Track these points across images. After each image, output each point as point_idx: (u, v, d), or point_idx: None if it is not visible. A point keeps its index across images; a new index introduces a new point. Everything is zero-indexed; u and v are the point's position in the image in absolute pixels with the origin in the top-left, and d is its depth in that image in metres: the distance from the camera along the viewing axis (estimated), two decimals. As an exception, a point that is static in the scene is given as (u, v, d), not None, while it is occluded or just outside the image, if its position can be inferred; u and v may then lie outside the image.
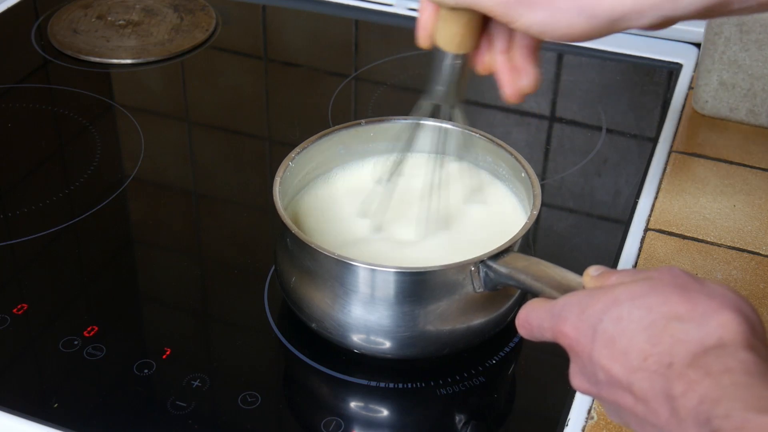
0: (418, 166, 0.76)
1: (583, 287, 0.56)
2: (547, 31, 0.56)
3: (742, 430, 0.41)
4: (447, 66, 0.64)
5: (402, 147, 0.73)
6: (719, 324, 0.46)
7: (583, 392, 0.53)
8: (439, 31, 0.63)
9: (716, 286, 0.49)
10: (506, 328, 0.69)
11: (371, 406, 0.67)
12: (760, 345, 0.47)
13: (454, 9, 0.60)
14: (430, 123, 0.76)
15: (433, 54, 0.64)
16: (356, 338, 0.66)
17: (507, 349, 0.71)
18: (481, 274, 0.63)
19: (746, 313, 0.48)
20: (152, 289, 0.78)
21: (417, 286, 0.64)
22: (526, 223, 0.66)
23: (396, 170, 0.73)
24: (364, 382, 0.68)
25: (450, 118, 0.72)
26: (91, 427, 0.64)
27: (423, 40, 0.64)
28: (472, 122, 0.74)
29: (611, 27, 0.55)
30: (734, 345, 0.46)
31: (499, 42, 0.63)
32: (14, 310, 0.73)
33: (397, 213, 0.72)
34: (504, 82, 0.64)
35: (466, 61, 0.64)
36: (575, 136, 0.96)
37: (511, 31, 0.63)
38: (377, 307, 0.64)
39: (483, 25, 0.63)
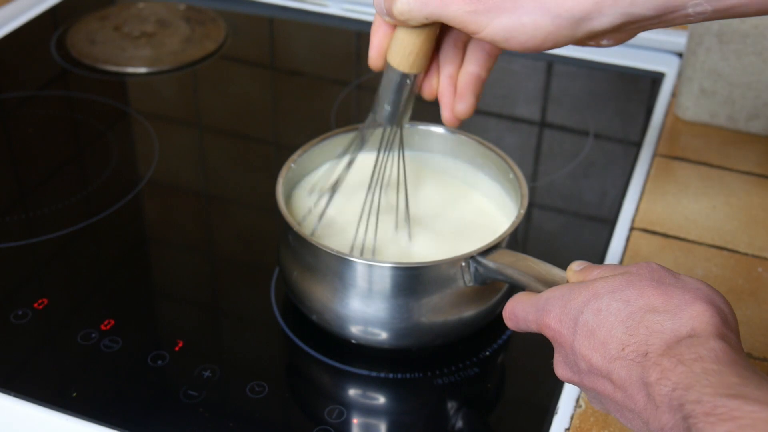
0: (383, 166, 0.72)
1: (567, 281, 0.56)
2: (514, 36, 0.55)
3: (712, 415, 0.41)
4: (396, 86, 0.63)
5: (349, 156, 0.70)
6: (692, 315, 0.47)
7: (567, 381, 0.53)
8: (393, 51, 0.61)
9: (690, 280, 0.50)
10: (499, 321, 0.69)
11: (372, 395, 0.67)
12: (731, 335, 0.47)
13: (416, 27, 0.59)
14: (422, 127, 0.76)
15: (382, 74, 0.63)
16: (354, 329, 0.66)
17: (500, 341, 0.71)
18: (471, 269, 0.64)
19: (718, 305, 0.48)
20: (165, 284, 0.78)
21: (411, 281, 0.64)
22: (514, 221, 0.66)
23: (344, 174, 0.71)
24: (365, 372, 0.68)
25: (392, 140, 0.68)
26: (108, 415, 0.64)
27: (375, 60, 0.63)
28: (466, 127, 0.74)
29: (575, 27, 0.54)
30: (706, 335, 0.46)
31: (447, 67, 0.64)
32: (35, 305, 0.73)
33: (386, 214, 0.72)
34: (446, 105, 0.64)
35: (415, 82, 0.63)
36: (564, 140, 0.96)
37: (460, 57, 0.63)
38: (374, 300, 0.64)
39: (435, 47, 0.62)
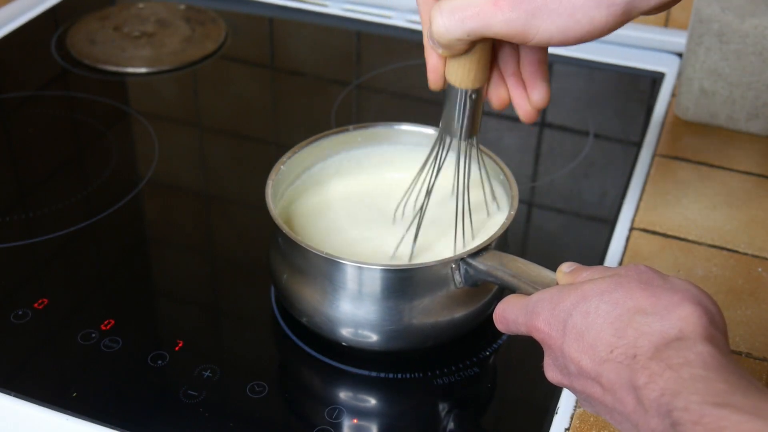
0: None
1: (556, 283, 0.56)
2: (569, 35, 0.53)
3: (699, 424, 0.41)
4: (462, 104, 0.61)
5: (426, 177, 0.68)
6: (680, 317, 0.47)
7: (557, 384, 0.53)
8: (452, 70, 0.59)
9: (679, 281, 0.50)
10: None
11: (372, 395, 0.67)
12: (719, 335, 0.47)
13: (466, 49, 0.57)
14: (407, 127, 0.76)
15: (445, 92, 0.61)
16: (344, 332, 0.66)
17: (500, 341, 0.70)
18: (462, 270, 0.63)
19: (706, 306, 0.48)
20: (165, 284, 0.78)
21: (402, 283, 0.64)
22: (504, 222, 0.66)
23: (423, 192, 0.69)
24: (365, 372, 0.68)
25: (468, 155, 0.66)
26: (108, 415, 0.64)
27: (435, 82, 0.61)
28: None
29: (628, 13, 0.52)
30: (694, 337, 0.46)
31: (509, 66, 0.61)
32: (35, 305, 0.73)
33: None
34: (518, 104, 0.62)
35: (480, 94, 0.61)
36: (564, 140, 0.96)
37: (516, 52, 0.61)
38: (364, 302, 0.64)
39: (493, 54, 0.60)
